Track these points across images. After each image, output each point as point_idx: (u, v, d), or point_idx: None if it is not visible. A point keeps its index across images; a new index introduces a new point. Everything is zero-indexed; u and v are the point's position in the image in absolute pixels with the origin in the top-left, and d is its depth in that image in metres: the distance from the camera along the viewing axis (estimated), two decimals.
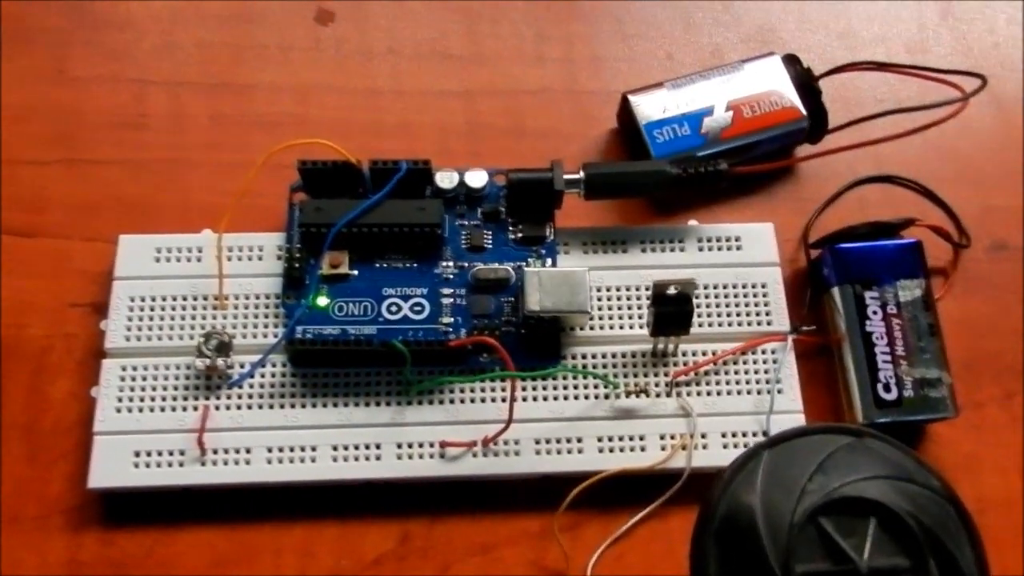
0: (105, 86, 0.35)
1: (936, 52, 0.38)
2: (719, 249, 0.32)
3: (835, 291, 0.31)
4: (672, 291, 0.28)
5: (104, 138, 0.34)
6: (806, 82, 0.33)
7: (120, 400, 0.29)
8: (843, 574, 0.21)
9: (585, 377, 0.30)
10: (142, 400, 0.29)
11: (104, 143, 0.34)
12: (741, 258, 0.32)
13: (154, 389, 0.29)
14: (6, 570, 0.28)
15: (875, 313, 0.30)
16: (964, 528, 0.22)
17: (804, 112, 0.33)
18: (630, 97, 0.33)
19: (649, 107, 0.33)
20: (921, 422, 0.30)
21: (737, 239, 0.32)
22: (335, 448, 0.28)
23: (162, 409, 0.29)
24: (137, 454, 0.28)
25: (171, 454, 0.28)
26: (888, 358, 0.30)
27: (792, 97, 0.33)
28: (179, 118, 0.35)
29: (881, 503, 0.22)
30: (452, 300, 0.30)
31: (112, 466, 0.28)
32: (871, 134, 0.32)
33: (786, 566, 0.21)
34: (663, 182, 0.31)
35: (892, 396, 0.29)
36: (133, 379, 0.29)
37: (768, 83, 0.33)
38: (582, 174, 0.31)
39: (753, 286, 0.31)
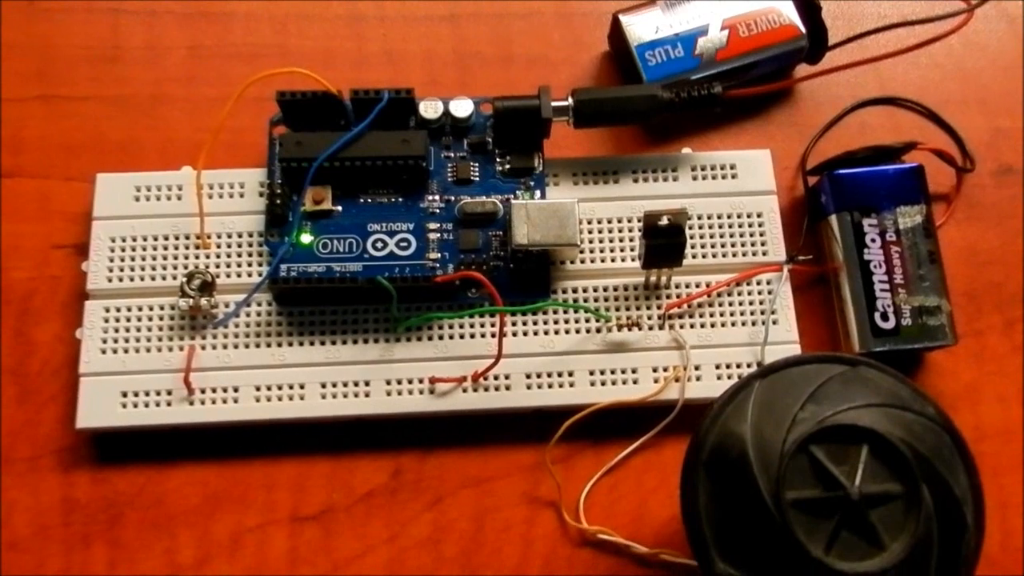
0: (79, 16, 0.34)
1: None
2: (714, 178, 0.31)
3: (832, 219, 0.30)
4: (664, 222, 0.27)
5: (81, 73, 0.33)
6: None
7: (105, 341, 0.28)
8: (834, 500, 0.21)
9: (576, 311, 0.29)
10: (127, 341, 0.29)
11: (81, 78, 0.33)
12: (736, 187, 0.31)
13: (139, 330, 0.29)
14: (2, 512, 0.28)
15: (873, 241, 0.29)
16: (959, 455, 0.22)
17: (803, 30, 0.32)
18: (621, 17, 0.32)
19: (641, 28, 0.31)
20: (919, 350, 0.29)
21: (732, 167, 0.31)
22: (323, 386, 0.28)
23: (147, 350, 0.28)
24: (124, 394, 0.28)
25: (158, 394, 0.28)
26: (886, 286, 0.29)
27: (791, 14, 0.32)
28: (156, 50, 0.34)
29: (874, 430, 0.21)
30: (439, 235, 0.29)
31: (99, 407, 0.28)
32: (873, 52, 0.30)
33: (777, 494, 0.21)
34: (655, 107, 0.30)
35: (890, 325, 0.29)
36: (117, 320, 0.29)
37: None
38: (570, 101, 0.30)
39: (748, 216, 0.30)
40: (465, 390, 0.28)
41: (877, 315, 0.29)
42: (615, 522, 0.28)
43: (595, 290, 0.30)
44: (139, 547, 0.28)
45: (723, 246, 0.30)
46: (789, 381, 0.23)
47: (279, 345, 0.29)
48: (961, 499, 0.22)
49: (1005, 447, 0.30)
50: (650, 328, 0.29)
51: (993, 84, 0.34)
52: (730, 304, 0.30)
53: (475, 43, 0.34)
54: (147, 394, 0.28)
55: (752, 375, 0.23)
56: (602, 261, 0.30)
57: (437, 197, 0.30)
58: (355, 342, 0.29)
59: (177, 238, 0.30)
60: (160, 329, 0.29)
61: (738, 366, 0.29)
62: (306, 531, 0.28)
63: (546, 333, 0.29)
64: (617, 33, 0.32)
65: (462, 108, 0.30)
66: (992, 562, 0.29)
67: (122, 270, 0.29)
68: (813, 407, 0.22)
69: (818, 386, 0.22)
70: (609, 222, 0.30)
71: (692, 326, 0.29)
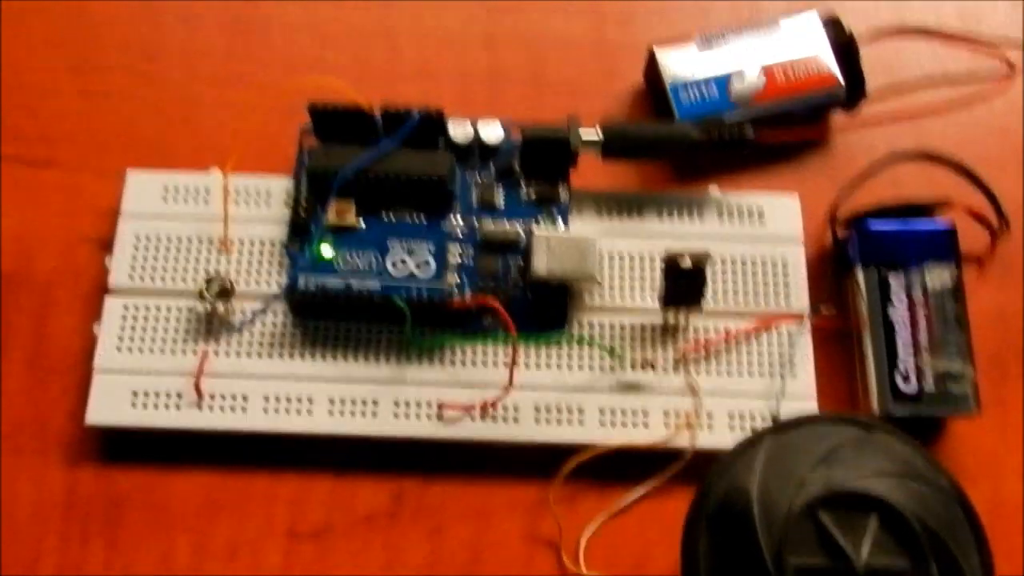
0: (122, 15, 0.34)
1: (990, 21, 0.35)
2: (740, 220, 0.30)
3: (858, 271, 0.29)
4: (686, 263, 0.27)
5: (118, 69, 0.34)
6: (845, 45, 0.31)
7: (120, 339, 0.29)
8: (838, 571, 0.20)
9: (591, 347, 0.29)
10: (142, 340, 0.29)
11: (118, 75, 0.34)
12: (762, 231, 0.30)
13: (155, 330, 0.29)
14: (4, 500, 0.28)
15: (900, 299, 0.29)
16: (972, 532, 0.22)
17: (841, 79, 0.31)
18: (657, 51, 0.31)
19: (677, 65, 0.31)
20: (940, 417, 0.29)
21: (760, 210, 0.31)
22: (332, 401, 0.28)
23: (162, 351, 0.29)
24: (135, 394, 0.28)
25: (168, 396, 0.28)
26: (910, 348, 0.28)
27: (829, 62, 0.31)
28: (194, 51, 0.34)
29: (884, 500, 0.21)
30: (459, 259, 0.29)
31: (110, 404, 0.28)
32: (912, 106, 0.30)
33: (779, 557, 0.20)
34: (684, 145, 0.29)
35: (911, 388, 0.28)
36: (135, 318, 0.29)
37: (804, 45, 0.31)
38: (599, 133, 0.29)
39: (773, 263, 0.30)
40: (473, 418, 0.28)
41: (898, 376, 0.28)
42: (615, 570, 0.28)
43: (611, 327, 0.29)
44: (136, 547, 0.28)
45: (745, 292, 0.30)
46: (801, 440, 0.22)
47: (291, 357, 0.29)
48: None
49: None
50: (665, 370, 0.29)
51: None
52: (748, 353, 0.29)
53: (509, 65, 0.34)
54: (157, 395, 0.28)
55: (764, 431, 0.23)
56: (621, 298, 0.30)
57: (460, 220, 0.30)
58: (367, 360, 0.29)
59: (200, 241, 0.30)
60: (176, 331, 0.29)
61: (752, 418, 0.28)
62: (302, 548, 0.28)
63: (559, 367, 0.29)
64: (652, 67, 0.32)
65: (492, 133, 0.30)
66: None
67: (144, 269, 0.29)
68: (824, 470, 0.22)
69: (831, 448, 0.22)
70: (631, 258, 0.30)
71: (708, 372, 0.29)
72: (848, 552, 0.20)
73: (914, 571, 0.21)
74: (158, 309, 0.29)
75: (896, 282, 0.29)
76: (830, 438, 0.22)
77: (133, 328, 0.29)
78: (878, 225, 0.29)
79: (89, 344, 0.29)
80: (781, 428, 0.23)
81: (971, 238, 0.31)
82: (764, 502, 0.21)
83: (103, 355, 0.28)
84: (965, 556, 0.21)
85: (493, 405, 0.28)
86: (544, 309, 0.29)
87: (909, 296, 0.29)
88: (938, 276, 0.29)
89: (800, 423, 0.23)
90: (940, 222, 0.30)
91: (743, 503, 0.21)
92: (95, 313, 0.29)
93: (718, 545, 0.22)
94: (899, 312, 0.29)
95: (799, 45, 0.31)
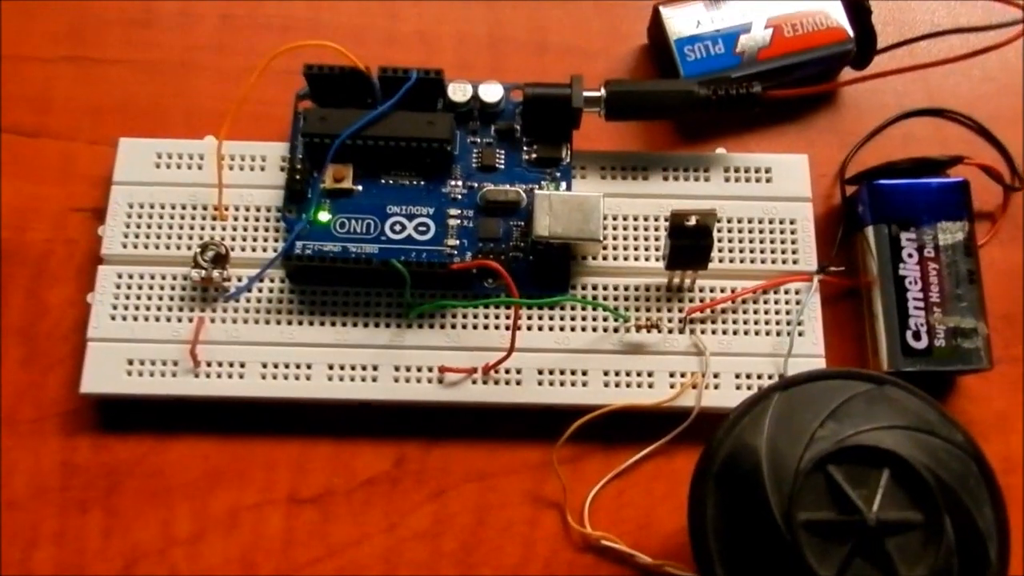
0: None
1: None
2: (747, 181, 0.30)
3: (869, 230, 0.29)
4: (691, 222, 0.26)
5: (112, 36, 0.33)
6: (856, 0, 0.30)
7: (115, 307, 0.28)
8: (849, 524, 0.20)
9: (594, 308, 0.28)
10: (137, 308, 0.28)
11: (112, 41, 0.33)
12: (770, 191, 0.30)
13: (149, 298, 0.28)
14: (3, 472, 0.28)
15: (911, 256, 0.28)
16: (986, 486, 0.21)
17: (851, 34, 0.30)
18: (662, 9, 0.31)
19: (681, 22, 0.30)
20: (951, 373, 0.28)
21: (767, 170, 0.30)
22: (331, 367, 0.28)
23: (156, 319, 0.28)
24: (130, 362, 0.28)
25: (164, 364, 0.28)
26: (921, 304, 0.28)
27: (839, 16, 0.30)
28: (188, 17, 0.33)
29: (896, 454, 0.20)
30: (459, 221, 0.29)
31: (105, 372, 0.28)
32: (922, 59, 0.29)
33: (788, 513, 0.20)
34: (690, 103, 0.29)
35: (922, 344, 0.27)
36: (129, 287, 0.28)
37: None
38: (603, 91, 0.29)
39: (781, 222, 0.29)
40: (475, 382, 0.28)
41: (909, 333, 0.28)
42: (620, 529, 0.27)
43: (615, 288, 0.29)
44: (135, 516, 0.27)
45: (752, 252, 0.29)
46: (810, 396, 0.22)
47: (289, 323, 0.28)
48: (985, 533, 0.20)
49: None
50: (670, 331, 0.28)
51: None
52: (755, 312, 0.28)
53: (510, 28, 0.33)
54: (153, 363, 0.28)
55: (772, 387, 0.22)
56: (625, 259, 0.29)
57: (460, 183, 0.29)
58: (366, 325, 0.28)
59: (195, 208, 0.29)
60: (171, 299, 0.28)
61: (759, 377, 0.28)
62: (303, 513, 0.28)
63: (562, 329, 0.28)
64: (657, 26, 0.31)
65: (491, 93, 0.29)
66: None
67: (137, 236, 0.29)
68: (833, 425, 0.21)
69: (840, 403, 0.21)
70: (635, 219, 0.29)
71: (714, 332, 0.28)
72: (859, 506, 0.20)
73: (927, 524, 0.20)
74: (152, 277, 0.29)
75: (907, 239, 0.28)
76: (840, 393, 0.22)
77: (127, 297, 0.28)
78: (888, 182, 0.29)
79: (83, 314, 0.29)
80: (789, 384, 0.22)
81: (984, 195, 0.31)
82: (773, 458, 0.21)
83: (97, 324, 0.28)
84: (979, 510, 0.20)
85: (495, 368, 0.27)
86: (546, 271, 0.28)
87: (920, 253, 0.28)
88: (950, 232, 0.28)
89: (809, 378, 0.22)
90: (951, 178, 0.29)
91: (752, 460, 0.21)
92: (88, 283, 0.29)
93: (726, 503, 0.21)
94: (910, 269, 0.28)
95: (808, 0, 0.30)
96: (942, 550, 0.20)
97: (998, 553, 0.20)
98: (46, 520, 0.27)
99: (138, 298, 0.28)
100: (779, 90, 0.29)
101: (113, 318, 0.28)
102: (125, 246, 0.29)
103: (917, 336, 0.28)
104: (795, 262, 0.29)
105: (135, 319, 0.28)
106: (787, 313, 0.28)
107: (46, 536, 0.27)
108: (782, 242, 0.29)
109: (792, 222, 0.29)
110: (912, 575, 0.20)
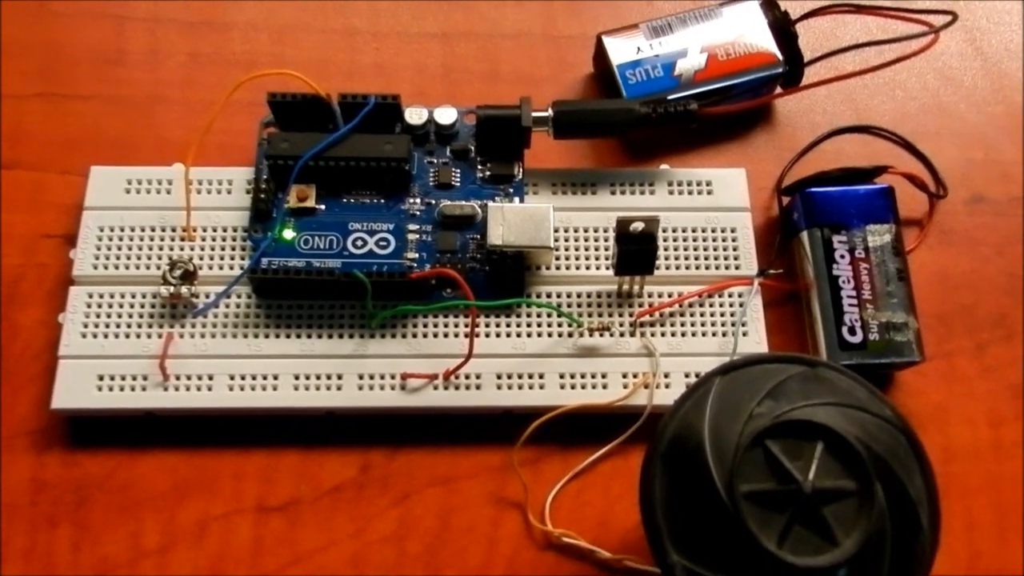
0: (86, 21, 0.35)
1: None
2: (690, 193, 0.32)
3: (804, 235, 0.31)
4: (636, 228, 0.28)
5: (83, 73, 0.35)
6: (783, 26, 0.33)
7: (86, 326, 0.29)
8: (787, 493, 0.21)
9: (549, 314, 0.30)
10: (107, 326, 0.29)
11: (83, 78, 0.34)
12: (711, 202, 0.32)
13: (119, 316, 0.29)
14: None
15: (843, 257, 0.30)
16: (915, 457, 0.22)
17: (780, 57, 0.33)
18: (605, 38, 0.33)
19: (623, 49, 0.33)
20: (886, 366, 0.30)
21: (708, 183, 0.32)
22: (297, 377, 0.29)
23: (127, 335, 0.29)
24: (101, 378, 0.28)
25: (134, 378, 0.28)
26: (854, 302, 0.29)
27: (767, 42, 0.33)
28: (157, 54, 0.35)
29: (829, 427, 0.22)
30: (418, 236, 0.30)
31: (76, 388, 0.28)
32: (851, 79, 0.31)
33: (730, 485, 0.21)
34: (632, 120, 0.30)
35: (857, 339, 0.29)
36: (99, 306, 0.29)
37: (744, 27, 0.33)
38: (550, 111, 0.30)
39: (723, 231, 0.31)
40: (436, 387, 0.29)
41: (845, 329, 0.29)
42: (580, 526, 0.28)
43: (568, 296, 0.30)
44: (104, 530, 0.28)
45: (696, 259, 0.31)
46: (749, 378, 0.23)
47: (255, 336, 0.29)
48: (916, 500, 0.22)
49: (973, 468, 0.30)
50: (621, 335, 0.30)
51: (968, 117, 0.35)
52: (701, 315, 0.30)
53: (464, 59, 0.36)
54: (123, 378, 0.28)
55: (713, 371, 0.24)
56: (577, 268, 0.30)
57: (418, 200, 0.31)
58: (330, 336, 0.29)
59: (164, 230, 0.30)
60: (141, 316, 0.29)
61: None
62: (271, 522, 0.28)
63: (518, 335, 0.29)
64: (601, 54, 0.33)
65: (446, 115, 0.31)
66: None
67: (108, 258, 0.30)
68: (771, 403, 0.22)
69: (777, 383, 0.23)
70: (586, 231, 0.31)
71: (663, 334, 0.30)
72: (796, 476, 0.21)
73: (860, 492, 0.21)
74: (122, 296, 0.29)
75: (839, 242, 0.30)
76: (777, 375, 0.23)
77: (98, 315, 0.29)
78: (820, 190, 0.31)
79: (54, 335, 0.29)
80: (730, 368, 0.24)
81: (912, 204, 0.33)
82: (715, 436, 0.22)
83: (68, 342, 0.29)
84: (909, 478, 0.22)
85: (455, 373, 0.28)
86: (501, 280, 0.30)
87: (852, 254, 0.30)
88: (878, 235, 0.30)
89: (748, 363, 0.24)
90: (878, 185, 0.31)
91: (695, 439, 0.22)
92: (60, 305, 0.30)
93: (673, 480, 0.22)
94: (843, 269, 0.30)
95: (739, 28, 0.33)
96: (875, 515, 0.21)
97: (929, 519, 0.22)
98: (14, 536, 0.28)
99: (108, 316, 0.29)
100: (714, 107, 0.31)
101: (84, 336, 0.29)
102: (96, 267, 0.30)
103: (852, 331, 0.29)
104: (737, 267, 0.31)
105: (105, 336, 0.29)
106: (731, 315, 0.30)
107: (14, 550, 0.28)
108: (724, 249, 0.31)
109: (733, 231, 0.31)
110: (848, 539, 0.21)
